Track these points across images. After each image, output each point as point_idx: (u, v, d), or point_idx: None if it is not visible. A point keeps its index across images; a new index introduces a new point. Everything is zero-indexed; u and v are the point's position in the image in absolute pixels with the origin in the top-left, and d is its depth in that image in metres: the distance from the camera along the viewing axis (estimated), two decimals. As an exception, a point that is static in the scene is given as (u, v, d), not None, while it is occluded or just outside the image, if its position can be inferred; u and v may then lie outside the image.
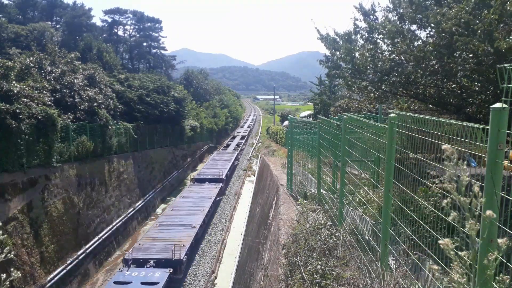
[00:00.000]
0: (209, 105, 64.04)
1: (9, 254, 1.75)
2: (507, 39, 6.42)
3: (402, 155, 3.97)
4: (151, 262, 15.36)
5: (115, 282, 14.02)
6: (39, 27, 41.62)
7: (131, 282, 13.84)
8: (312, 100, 37.19)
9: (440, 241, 1.69)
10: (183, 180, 36.12)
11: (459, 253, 1.68)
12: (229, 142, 56.65)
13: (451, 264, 1.74)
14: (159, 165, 31.70)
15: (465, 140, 2.67)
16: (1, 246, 1.79)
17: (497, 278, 1.73)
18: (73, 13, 53.67)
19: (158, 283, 13.83)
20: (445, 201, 1.68)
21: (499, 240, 1.66)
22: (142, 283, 13.81)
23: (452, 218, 1.68)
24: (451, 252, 1.65)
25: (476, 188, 1.63)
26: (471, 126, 2.58)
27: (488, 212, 1.67)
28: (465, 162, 1.70)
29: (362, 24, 9.70)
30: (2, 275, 1.73)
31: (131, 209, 23.59)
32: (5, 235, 1.75)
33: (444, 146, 1.73)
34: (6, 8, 48.62)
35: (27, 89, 15.12)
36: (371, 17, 9.84)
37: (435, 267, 1.83)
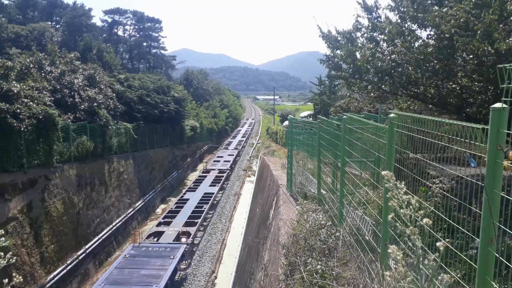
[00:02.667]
0: (209, 105, 64.07)
1: (11, 260, 1.74)
2: (507, 40, 6.40)
3: (402, 155, 3.97)
4: None
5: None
6: (39, 27, 41.64)
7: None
8: (312, 100, 37.12)
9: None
10: (183, 180, 36.10)
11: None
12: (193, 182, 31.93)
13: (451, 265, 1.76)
14: (159, 165, 31.70)
15: (465, 140, 2.66)
16: (3, 250, 1.78)
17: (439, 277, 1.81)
18: (73, 13, 53.71)
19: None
20: (389, 216, 1.98)
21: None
22: None
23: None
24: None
25: (413, 201, 1.90)
26: (471, 126, 2.57)
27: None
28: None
29: (365, 22, 9.64)
30: (4, 280, 1.73)
31: (131, 209, 23.59)
32: (8, 241, 1.74)
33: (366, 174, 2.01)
34: (6, 8, 48.63)
35: (27, 89, 15.12)
36: (374, 14, 9.76)
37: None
